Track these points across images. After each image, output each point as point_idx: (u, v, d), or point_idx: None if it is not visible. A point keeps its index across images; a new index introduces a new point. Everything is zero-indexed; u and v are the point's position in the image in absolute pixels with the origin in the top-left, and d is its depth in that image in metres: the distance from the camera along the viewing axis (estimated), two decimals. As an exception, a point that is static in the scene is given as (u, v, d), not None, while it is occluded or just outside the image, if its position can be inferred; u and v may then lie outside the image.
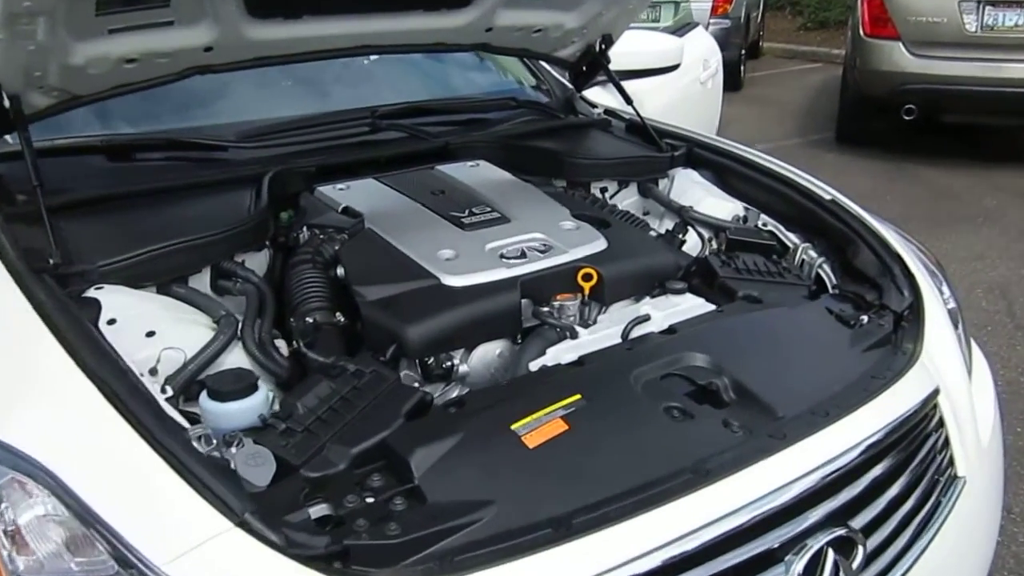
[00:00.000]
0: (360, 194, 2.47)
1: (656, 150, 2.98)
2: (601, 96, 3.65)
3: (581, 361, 1.85)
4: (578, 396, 1.70)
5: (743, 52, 12.01)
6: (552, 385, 1.75)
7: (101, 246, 2.08)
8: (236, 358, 1.88)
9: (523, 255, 2.17)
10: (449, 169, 2.67)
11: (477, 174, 2.67)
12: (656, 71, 4.10)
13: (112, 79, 2.30)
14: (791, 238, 2.62)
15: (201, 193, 2.38)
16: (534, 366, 1.89)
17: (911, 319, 2.18)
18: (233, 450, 1.59)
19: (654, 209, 2.86)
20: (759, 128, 9.67)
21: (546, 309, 2.08)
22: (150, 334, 1.84)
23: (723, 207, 2.75)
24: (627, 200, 2.92)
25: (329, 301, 2.06)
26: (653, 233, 2.57)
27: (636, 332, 2.01)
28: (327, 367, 1.80)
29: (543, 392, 1.72)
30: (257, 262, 2.24)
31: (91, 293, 1.92)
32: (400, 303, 1.98)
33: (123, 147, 2.53)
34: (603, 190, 2.84)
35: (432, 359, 1.96)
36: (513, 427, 1.61)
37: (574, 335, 1.99)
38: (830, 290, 2.36)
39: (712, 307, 2.15)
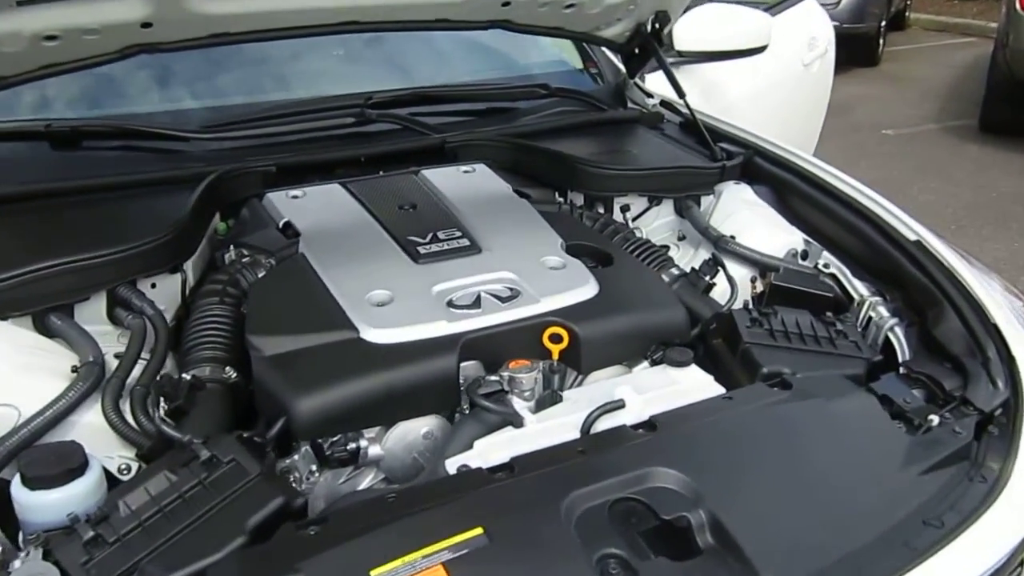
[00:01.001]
0: (313, 205, 2.05)
1: (707, 157, 2.42)
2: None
3: (511, 465, 1.38)
4: (479, 531, 1.23)
5: (883, 24, 10.82)
6: (452, 507, 1.29)
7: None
8: (93, 419, 1.52)
9: (476, 303, 1.70)
10: (436, 175, 2.21)
11: (467, 183, 2.20)
12: (738, 53, 3.47)
13: (33, 59, 1.96)
14: (858, 288, 2.03)
15: (132, 195, 2.03)
16: (453, 464, 1.43)
17: (1004, 425, 1.58)
18: (17, 563, 1.23)
19: (692, 234, 2.30)
20: (891, 110, 8.66)
21: (495, 378, 1.61)
22: (-15, 387, 1.50)
23: (776, 238, 2.17)
24: (659, 220, 2.38)
25: (228, 350, 1.65)
26: (675, 271, 2.03)
27: (603, 424, 1.51)
28: (177, 448, 1.40)
29: (435, 518, 1.26)
30: (172, 288, 1.87)
31: None
32: (300, 362, 1.55)
33: (63, 134, 2.19)
34: (624, 208, 2.30)
35: (332, 439, 1.53)
36: (372, 574, 1.17)
37: (517, 423, 1.51)
38: (900, 367, 1.77)
39: (720, 390, 1.62)
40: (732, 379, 1.73)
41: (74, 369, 1.56)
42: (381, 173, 2.26)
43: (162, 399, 1.52)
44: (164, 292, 1.87)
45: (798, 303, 1.94)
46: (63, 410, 1.48)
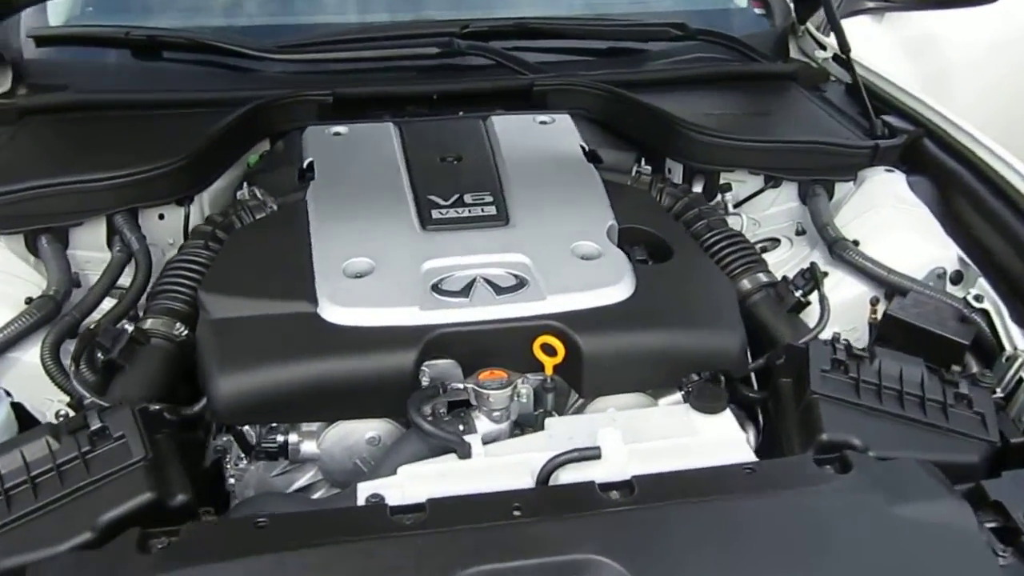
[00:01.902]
0: (349, 145, 1.80)
1: (863, 132, 1.89)
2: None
3: (424, 507, 1.08)
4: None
5: None
6: (316, 554, 1.02)
7: (7, 168, 1.69)
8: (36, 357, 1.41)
9: (466, 290, 1.38)
10: (505, 123, 1.88)
11: (535, 137, 1.85)
12: (965, 1, 2.75)
13: None
14: (1014, 337, 1.48)
15: (178, 116, 1.89)
16: (365, 491, 1.15)
17: None
18: None
19: (813, 230, 1.81)
20: None
21: (462, 387, 1.30)
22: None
23: (920, 251, 1.65)
24: (776, 207, 1.91)
25: (193, 304, 1.47)
26: (762, 277, 1.58)
27: (569, 474, 1.16)
28: (81, 409, 1.25)
29: (288, 564, 1.00)
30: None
31: None
32: (241, 332, 1.33)
33: (140, 42, 2.09)
34: (723, 187, 1.85)
35: (258, 429, 1.32)
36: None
37: (462, 453, 1.20)
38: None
39: (748, 455, 1.21)
40: (782, 440, 1.31)
41: (28, 301, 1.45)
42: (460, 114, 1.97)
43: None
44: (173, 226, 1.73)
45: (918, 345, 1.44)
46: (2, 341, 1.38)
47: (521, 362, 1.33)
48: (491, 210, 1.56)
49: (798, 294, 1.52)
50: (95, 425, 1.20)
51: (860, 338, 1.61)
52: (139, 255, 1.59)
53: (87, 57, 2.15)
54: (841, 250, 1.64)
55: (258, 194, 1.66)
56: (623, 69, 2.15)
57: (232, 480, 1.35)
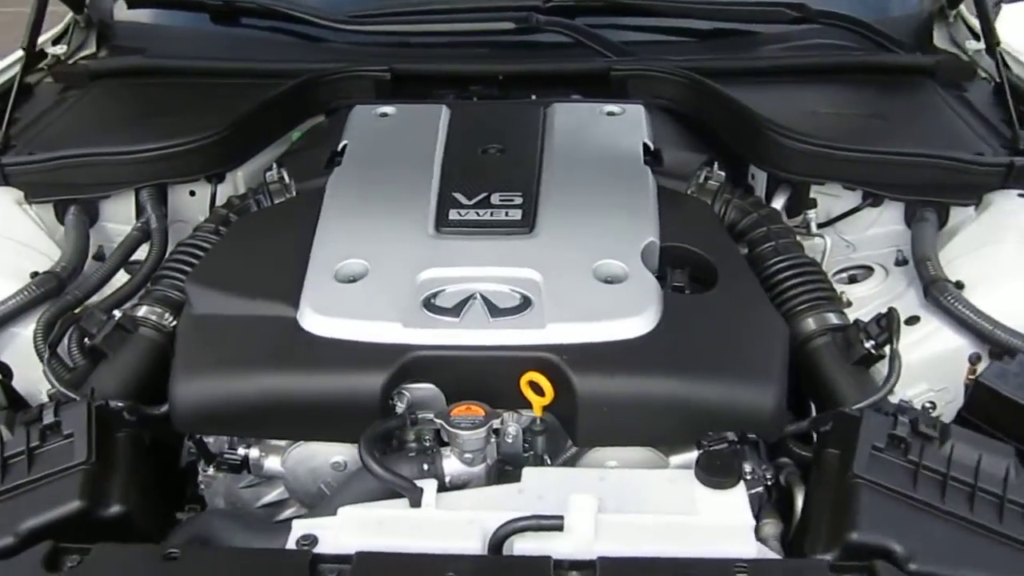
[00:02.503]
0: (392, 128, 1.67)
1: (999, 144, 1.56)
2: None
3: (350, 559, 0.95)
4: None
5: None
6: None
7: (60, 134, 1.69)
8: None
9: (458, 308, 1.22)
10: (566, 112, 1.68)
11: (595, 130, 1.64)
12: None
13: None
14: None
15: (237, 87, 1.82)
16: (301, 530, 1.03)
17: None
18: None
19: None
20: None
21: (432, 417, 1.14)
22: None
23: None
24: (876, 228, 1.61)
25: None
26: (831, 317, 1.32)
27: (529, 543, 0.98)
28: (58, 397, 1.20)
29: None
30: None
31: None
32: (215, 332, 1.24)
33: (216, 6, 2.04)
34: (807, 204, 1.57)
35: (218, 441, 1.22)
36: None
37: (412, 500, 1.05)
38: None
39: (751, 548, 0.99)
40: (810, 527, 1.07)
41: (33, 275, 1.43)
42: (533, 97, 1.80)
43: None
44: (205, 204, 1.66)
45: (1015, 427, 1.15)
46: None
47: (512, 396, 1.16)
48: (516, 215, 1.38)
49: (868, 344, 1.25)
50: (48, 419, 1.14)
51: (954, 400, 1.32)
52: (156, 234, 1.53)
53: (169, 23, 2.13)
54: (938, 292, 1.34)
55: (284, 177, 1.56)
56: (725, 55, 1.89)
57: (202, 486, 1.27)
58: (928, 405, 1.34)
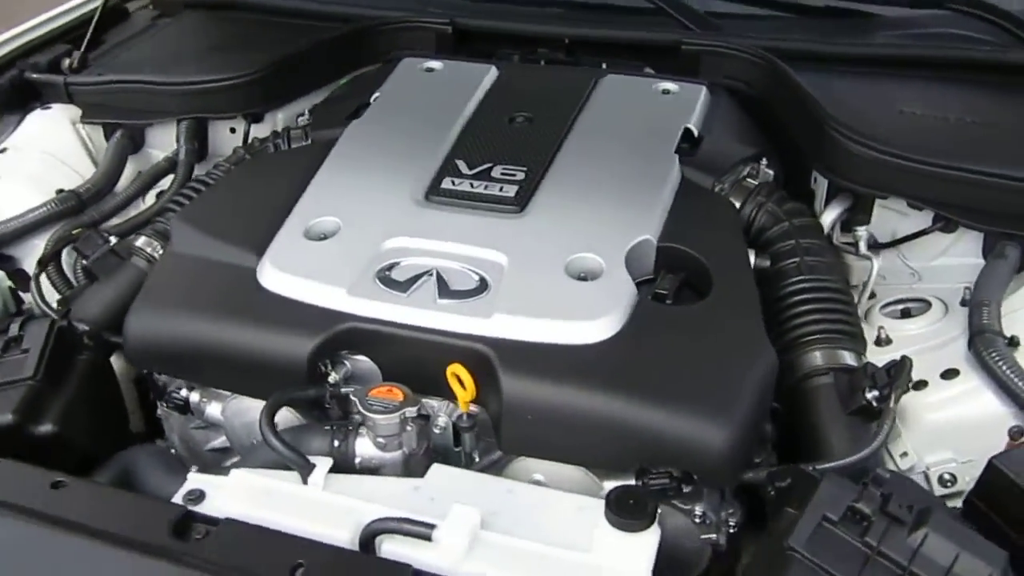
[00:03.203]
0: (431, 83, 1.59)
1: None
2: None
3: (217, 523, 0.92)
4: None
5: None
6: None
7: (133, 60, 1.76)
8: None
9: (409, 283, 1.14)
10: (619, 84, 1.55)
11: (644, 107, 1.49)
12: None
13: None
14: None
15: (306, 28, 1.81)
16: (193, 482, 1.01)
17: None
18: None
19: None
20: None
21: (351, 397, 1.08)
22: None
23: None
24: (947, 258, 1.37)
25: None
26: (845, 356, 1.14)
27: (399, 546, 0.91)
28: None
29: None
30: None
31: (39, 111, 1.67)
32: (182, 271, 1.24)
33: None
34: (857, 219, 1.34)
35: (164, 379, 1.22)
36: None
37: (303, 476, 0.99)
38: None
39: None
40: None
41: (58, 192, 1.49)
42: (604, 66, 1.67)
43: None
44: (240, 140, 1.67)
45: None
46: (10, 229, 1.43)
47: (431, 384, 1.08)
48: (511, 191, 1.27)
49: (871, 395, 1.05)
50: (12, 332, 1.19)
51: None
52: (180, 167, 1.55)
53: None
54: (983, 345, 1.11)
55: (306, 123, 1.53)
56: (827, 37, 1.66)
57: (161, 419, 1.29)
58: (948, 477, 1.13)
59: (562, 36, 1.73)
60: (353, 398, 1.06)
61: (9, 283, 1.42)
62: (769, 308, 1.20)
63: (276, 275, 1.18)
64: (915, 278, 1.38)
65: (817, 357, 1.14)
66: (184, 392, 1.20)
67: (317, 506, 0.98)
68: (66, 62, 1.72)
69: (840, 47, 1.60)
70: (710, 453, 0.98)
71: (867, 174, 1.32)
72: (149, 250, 1.37)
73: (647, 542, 0.92)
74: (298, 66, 1.65)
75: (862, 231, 1.35)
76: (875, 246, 1.39)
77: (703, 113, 1.48)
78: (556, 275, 1.14)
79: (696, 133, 1.42)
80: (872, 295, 1.38)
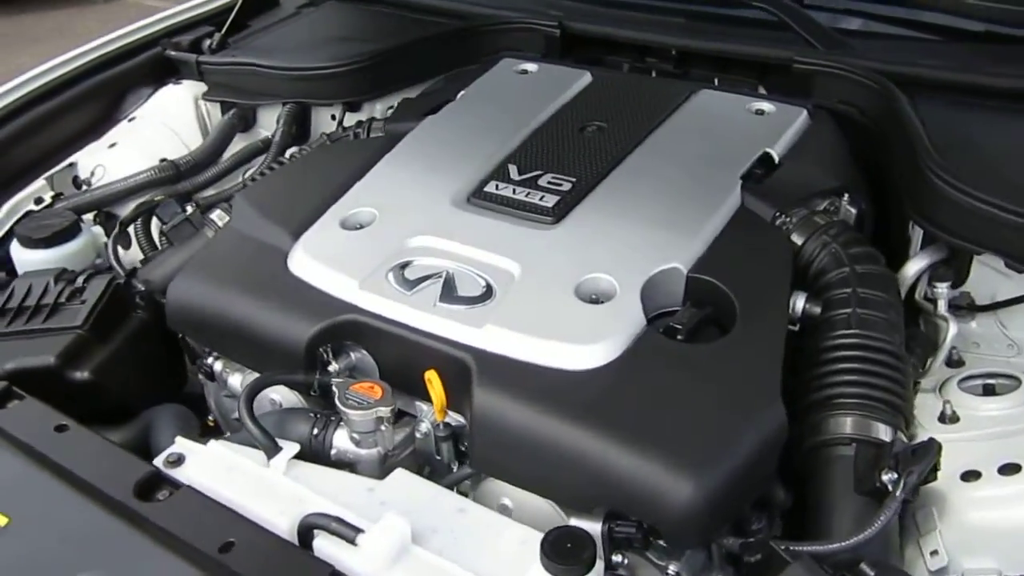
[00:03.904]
0: (519, 85, 1.57)
1: None
2: None
3: (178, 488, 0.95)
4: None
5: None
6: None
7: (265, 44, 1.88)
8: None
9: (416, 283, 1.12)
10: (711, 101, 1.46)
11: (728, 127, 1.38)
12: None
13: None
14: None
15: (431, 24, 1.84)
16: (178, 446, 1.04)
17: None
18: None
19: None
20: None
21: (334, 388, 1.07)
22: (112, 146, 1.67)
23: None
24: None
25: None
26: (878, 427, 0.98)
27: (330, 545, 0.90)
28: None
29: None
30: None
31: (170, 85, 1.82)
32: (226, 246, 1.29)
33: None
34: (937, 275, 1.15)
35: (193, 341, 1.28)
36: None
37: (268, 456, 1.00)
38: None
39: None
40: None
41: (161, 161, 1.60)
42: (714, 81, 1.58)
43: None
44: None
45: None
46: (114, 190, 1.56)
47: (416, 387, 1.05)
48: (551, 201, 1.22)
49: (887, 477, 0.91)
50: (77, 284, 1.30)
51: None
52: (272, 148, 1.63)
53: None
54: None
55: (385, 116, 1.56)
56: (970, 65, 1.45)
57: (202, 383, 1.36)
58: (984, 589, 0.95)
59: (670, 47, 1.64)
60: (334, 389, 1.06)
61: (106, 239, 1.55)
62: (809, 360, 1.07)
63: (303, 259, 1.20)
64: (1013, 350, 1.18)
65: (844, 423, 1.00)
66: (211, 361, 1.26)
67: (271, 489, 0.98)
68: (207, 43, 1.86)
69: (984, 78, 1.40)
70: (673, 509, 0.89)
71: (960, 223, 1.14)
72: (220, 223, 1.45)
73: (585, 591, 0.85)
74: (399, 59, 1.68)
75: (942, 288, 1.16)
76: (970, 308, 1.20)
77: (794, 138, 1.35)
78: (564, 293, 1.08)
79: (776, 159, 1.30)
80: (959, 363, 1.19)
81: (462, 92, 1.55)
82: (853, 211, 1.24)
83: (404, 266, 1.15)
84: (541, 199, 1.23)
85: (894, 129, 1.33)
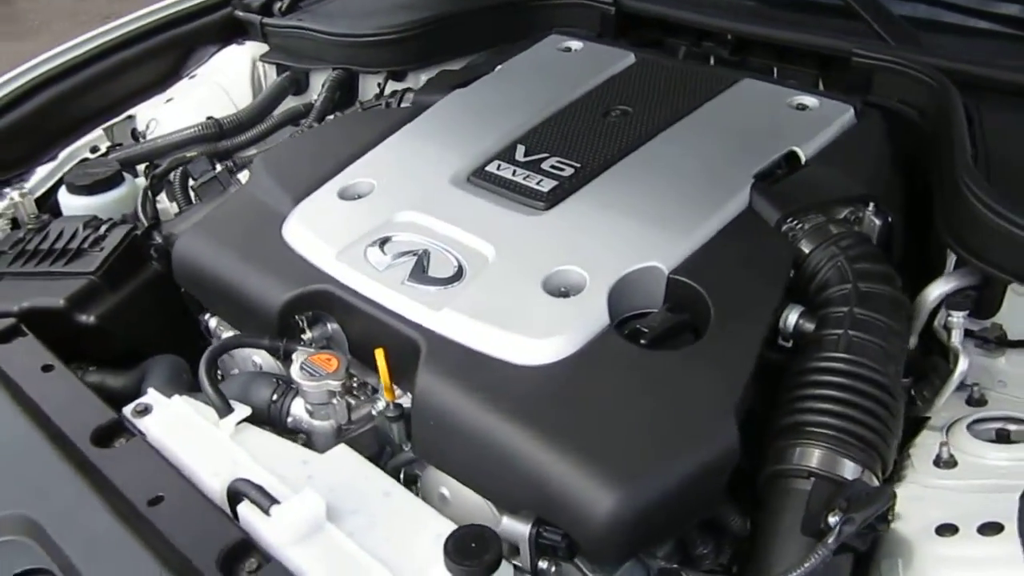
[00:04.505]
0: (557, 63, 1.52)
1: None
2: None
3: (132, 436, 0.99)
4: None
5: None
6: None
7: (331, 11, 1.90)
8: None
9: (391, 258, 1.10)
10: (751, 92, 1.36)
11: (765, 121, 1.29)
12: None
13: None
14: None
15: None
16: (149, 397, 1.08)
17: None
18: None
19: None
20: None
21: (294, 358, 1.07)
22: (168, 101, 1.73)
23: None
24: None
25: None
26: (845, 464, 0.89)
27: (247, 511, 0.90)
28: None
29: None
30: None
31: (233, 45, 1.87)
32: (234, 207, 1.31)
33: None
34: (953, 302, 1.02)
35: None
36: None
37: (221, 415, 1.02)
38: None
39: None
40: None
41: (208, 119, 1.65)
42: (774, 73, 1.49)
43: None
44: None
45: None
46: (159, 144, 1.61)
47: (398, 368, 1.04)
48: (547, 186, 1.17)
49: (832, 519, 0.82)
50: (100, 231, 1.35)
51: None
52: (313, 113, 1.64)
53: None
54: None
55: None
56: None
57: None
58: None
59: (726, 31, 1.53)
60: (293, 357, 1.07)
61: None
62: (789, 380, 0.98)
63: (295, 226, 1.21)
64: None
65: (810, 455, 0.91)
66: (206, 317, 1.29)
67: (212, 449, 1.00)
68: (277, 5, 1.90)
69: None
70: (593, 521, 0.84)
71: (986, 247, 1.02)
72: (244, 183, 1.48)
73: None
74: (445, 30, 1.65)
75: (957, 317, 1.03)
76: (999, 343, 1.07)
77: (832, 137, 1.24)
78: (531, 283, 1.03)
79: (803, 158, 1.19)
80: (980, 402, 1.07)
81: (499, 67, 1.51)
82: (877, 223, 1.12)
83: (384, 241, 1.14)
84: (538, 183, 1.18)
85: (944, 134, 1.19)
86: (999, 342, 1.07)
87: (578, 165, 1.21)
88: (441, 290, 1.05)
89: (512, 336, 0.97)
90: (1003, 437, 1.00)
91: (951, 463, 0.96)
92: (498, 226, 1.13)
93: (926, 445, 1.00)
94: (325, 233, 1.17)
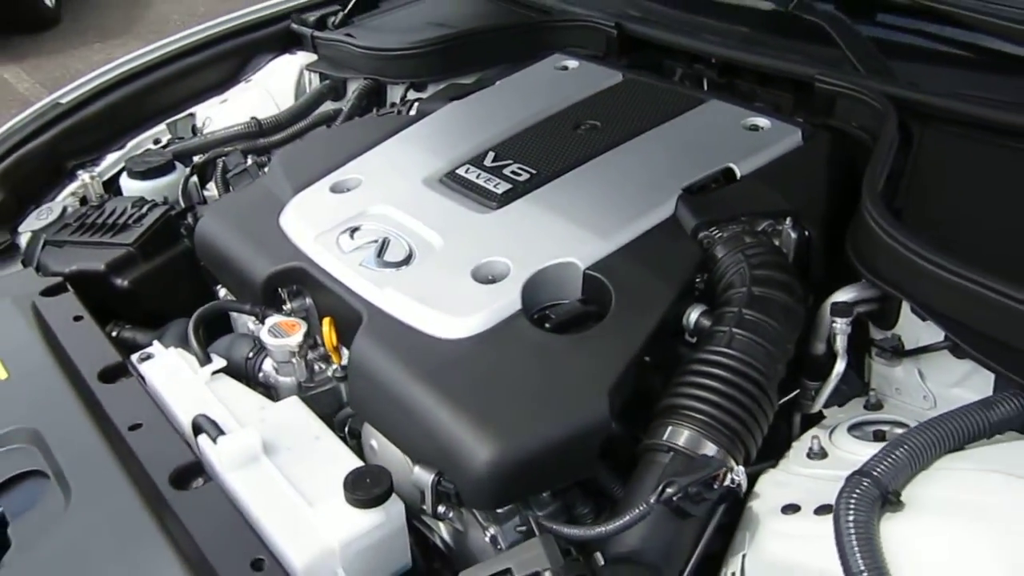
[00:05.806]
0: (549, 80, 1.66)
1: None
2: None
3: (129, 376, 1.21)
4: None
5: None
6: None
7: (375, 24, 2.11)
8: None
9: (356, 242, 1.28)
10: (711, 112, 1.46)
11: (714, 139, 1.39)
12: None
13: None
14: None
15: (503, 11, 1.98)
16: (154, 348, 1.29)
17: None
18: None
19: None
20: None
21: (263, 323, 1.27)
22: (223, 102, 1.98)
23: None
24: (962, 391, 1.07)
25: None
26: (706, 444, 1.00)
27: (205, 443, 1.09)
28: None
29: None
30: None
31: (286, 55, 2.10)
32: (247, 194, 1.52)
33: None
34: (837, 310, 1.09)
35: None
36: None
37: (201, 365, 1.22)
38: None
39: (298, 558, 0.94)
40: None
41: (251, 119, 1.88)
42: (756, 92, 1.60)
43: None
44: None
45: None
46: (209, 140, 1.85)
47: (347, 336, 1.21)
48: (502, 188, 1.32)
49: (671, 490, 0.93)
50: (143, 211, 1.59)
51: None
52: (340, 118, 1.84)
53: None
54: (848, 490, 0.89)
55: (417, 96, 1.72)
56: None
57: None
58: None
59: (709, 55, 1.64)
60: (262, 320, 1.26)
61: (195, 179, 1.85)
62: (681, 368, 1.09)
63: (289, 212, 1.40)
64: (929, 402, 1.11)
65: (675, 434, 1.02)
66: (218, 288, 1.50)
67: (188, 391, 1.20)
68: (331, 19, 2.12)
69: (1004, 114, 1.29)
70: (468, 469, 0.98)
71: (873, 262, 1.10)
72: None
73: (357, 520, 0.98)
74: (461, 47, 1.82)
75: (840, 323, 1.12)
76: (895, 352, 1.15)
77: (773, 157, 1.33)
78: (463, 270, 1.18)
79: (739, 174, 1.30)
80: (877, 406, 1.15)
81: (499, 82, 1.67)
82: (794, 236, 1.22)
83: (355, 229, 1.31)
84: (495, 186, 1.33)
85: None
86: (895, 352, 1.14)
87: (534, 171, 1.35)
88: (391, 272, 1.22)
89: (436, 313, 1.13)
90: (879, 437, 1.09)
91: (820, 455, 1.05)
92: (452, 221, 1.28)
93: (806, 439, 1.10)
94: (311, 220, 1.36)
